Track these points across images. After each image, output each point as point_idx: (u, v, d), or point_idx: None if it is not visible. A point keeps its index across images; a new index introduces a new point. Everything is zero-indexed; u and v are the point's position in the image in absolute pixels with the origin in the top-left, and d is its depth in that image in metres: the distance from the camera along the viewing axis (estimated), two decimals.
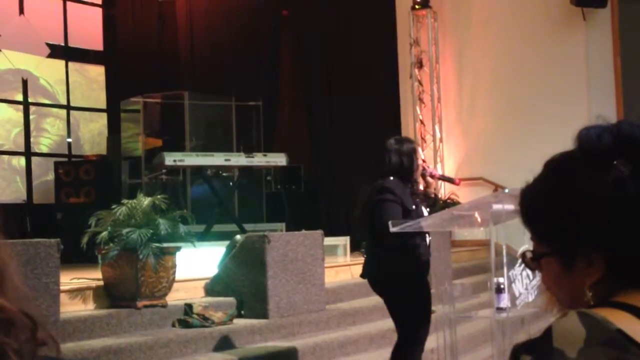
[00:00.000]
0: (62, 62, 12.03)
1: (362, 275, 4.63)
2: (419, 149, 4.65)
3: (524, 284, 4.36)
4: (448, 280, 4.71)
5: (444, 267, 7.58)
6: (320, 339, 5.74)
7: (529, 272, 4.26)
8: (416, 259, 4.42)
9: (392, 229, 4.29)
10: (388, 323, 5.98)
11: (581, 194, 1.07)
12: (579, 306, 1.04)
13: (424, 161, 4.71)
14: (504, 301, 4.24)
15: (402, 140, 4.54)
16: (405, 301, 4.41)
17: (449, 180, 5.66)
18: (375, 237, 4.47)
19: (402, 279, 4.40)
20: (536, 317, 4.50)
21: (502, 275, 4.22)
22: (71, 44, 12.15)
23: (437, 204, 4.76)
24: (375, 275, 4.52)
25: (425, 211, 4.52)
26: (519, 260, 4.12)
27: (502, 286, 4.23)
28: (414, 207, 4.40)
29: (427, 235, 4.48)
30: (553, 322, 1.02)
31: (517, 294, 4.31)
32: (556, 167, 1.13)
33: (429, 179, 4.66)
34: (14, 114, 11.43)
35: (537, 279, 4.10)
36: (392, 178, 4.38)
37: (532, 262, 1.16)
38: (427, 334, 4.50)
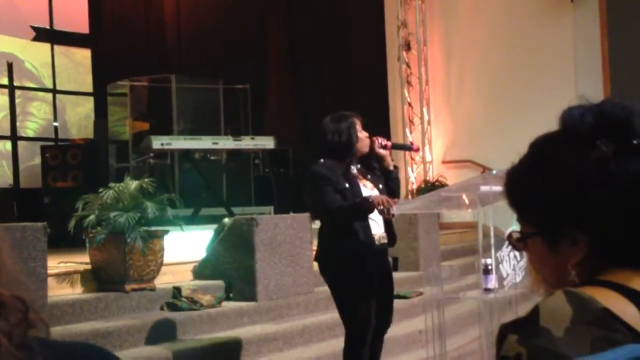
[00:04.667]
0: (47, 45, 11.94)
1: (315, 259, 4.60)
2: (357, 122, 4.41)
3: (511, 265, 4.38)
4: (436, 262, 4.72)
5: (432, 249, 7.63)
6: (308, 321, 5.75)
7: (517, 253, 4.28)
8: (354, 243, 4.24)
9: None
10: None
11: (564, 174, 1.07)
12: (565, 285, 1.05)
13: (372, 135, 4.45)
14: (492, 282, 4.26)
15: (340, 117, 4.34)
16: (341, 286, 4.32)
17: (406, 147, 5.34)
18: (320, 222, 4.44)
19: (338, 264, 4.28)
20: (524, 298, 4.52)
21: (490, 257, 4.24)
22: (56, 26, 12.04)
23: (397, 177, 4.50)
24: (318, 260, 4.46)
25: (367, 189, 4.31)
26: (507, 242, 4.13)
27: (489, 267, 4.26)
28: (347, 185, 4.22)
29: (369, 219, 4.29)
30: (540, 302, 1.02)
31: (504, 275, 4.34)
32: (540, 147, 1.13)
33: (381, 151, 4.39)
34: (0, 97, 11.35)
35: (525, 260, 4.12)
36: (322, 160, 4.26)
37: (518, 242, 1.16)
38: (367, 323, 4.32)
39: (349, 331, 4.37)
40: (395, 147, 4.57)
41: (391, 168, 4.47)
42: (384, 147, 4.43)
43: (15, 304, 0.85)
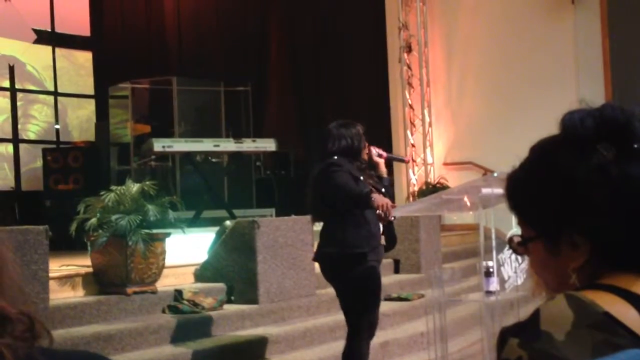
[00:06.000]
0: (49, 48, 11.95)
1: (313, 258, 4.64)
2: (360, 129, 4.57)
3: (513, 268, 4.38)
4: (438, 264, 4.72)
5: (433, 251, 7.62)
6: (310, 324, 5.75)
7: (518, 255, 4.28)
8: (366, 233, 4.31)
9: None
10: None
11: (565, 179, 1.07)
12: (566, 289, 1.05)
13: (369, 144, 4.65)
14: (493, 285, 4.26)
15: (348, 124, 4.52)
16: (352, 283, 4.32)
17: (399, 159, 5.63)
18: (326, 216, 4.46)
19: (346, 254, 4.30)
20: (525, 301, 4.53)
21: (491, 259, 4.24)
22: (58, 29, 12.06)
23: (389, 184, 4.65)
24: (322, 255, 4.46)
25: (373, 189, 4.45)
26: (508, 245, 4.10)
27: (491, 270, 4.25)
28: (361, 178, 4.36)
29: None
30: (541, 305, 1.02)
31: (506, 277, 4.34)
32: (541, 151, 1.13)
33: (377, 159, 4.60)
34: (1, 100, 11.36)
35: (526, 262, 4.12)
36: (335, 157, 4.38)
37: (519, 246, 1.16)
38: (374, 321, 4.41)
39: (355, 330, 4.38)
40: (390, 158, 4.79)
41: (385, 175, 4.62)
42: (380, 155, 4.64)
43: (21, 320, 0.86)
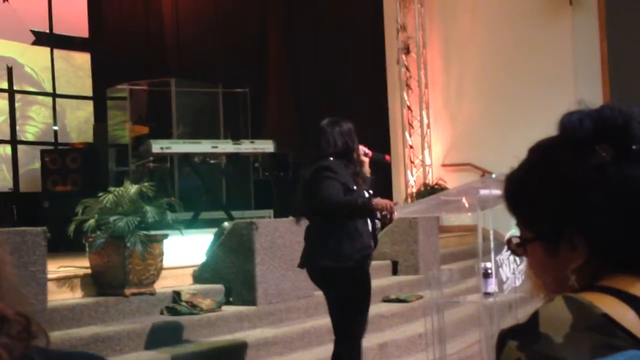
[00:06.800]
0: (47, 50, 11.94)
1: (300, 265, 4.49)
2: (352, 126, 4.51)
3: (511, 269, 4.38)
4: (436, 265, 4.72)
5: (432, 253, 7.62)
6: (308, 325, 5.75)
7: (516, 256, 4.27)
8: (360, 246, 4.24)
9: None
10: (376, 309, 6.00)
11: (564, 179, 1.07)
12: (564, 291, 1.05)
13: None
14: (492, 286, 4.26)
15: (341, 121, 4.41)
16: (343, 292, 4.25)
17: (381, 158, 5.45)
18: (315, 221, 4.37)
19: (341, 267, 4.21)
20: (524, 302, 4.53)
21: (490, 260, 4.24)
22: (56, 31, 12.05)
23: (372, 183, 4.56)
24: (313, 264, 4.37)
25: (366, 194, 4.35)
26: (506, 245, 4.09)
27: (489, 271, 4.26)
28: (355, 187, 4.25)
29: (369, 221, 4.34)
30: (539, 307, 1.02)
31: (504, 278, 4.34)
32: (540, 152, 1.13)
33: (363, 158, 4.51)
34: None
35: (524, 263, 4.12)
36: (331, 159, 4.29)
37: (518, 248, 1.16)
38: (363, 329, 4.37)
39: (347, 334, 4.34)
40: (374, 156, 4.70)
41: (368, 175, 4.55)
42: (365, 154, 4.58)
43: (18, 321, 0.86)
